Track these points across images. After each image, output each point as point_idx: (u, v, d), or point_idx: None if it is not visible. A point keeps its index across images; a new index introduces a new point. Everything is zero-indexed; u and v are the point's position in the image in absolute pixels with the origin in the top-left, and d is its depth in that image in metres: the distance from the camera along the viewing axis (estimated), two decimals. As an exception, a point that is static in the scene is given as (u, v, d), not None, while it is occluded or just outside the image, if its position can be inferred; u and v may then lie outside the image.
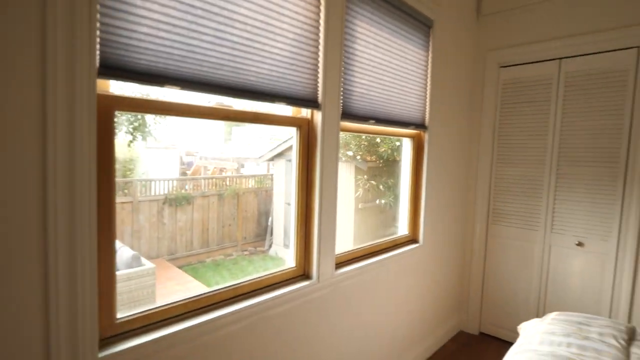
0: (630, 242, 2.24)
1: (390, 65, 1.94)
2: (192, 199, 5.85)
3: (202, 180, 6.44)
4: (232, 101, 1.51)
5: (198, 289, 4.36)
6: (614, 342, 1.53)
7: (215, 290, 1.36)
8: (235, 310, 1.32)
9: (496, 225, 2.77)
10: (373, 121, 1.86)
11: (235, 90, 1.26)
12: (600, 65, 2.32)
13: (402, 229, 2.35)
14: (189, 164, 8.84)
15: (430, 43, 2.24)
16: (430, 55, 2.25)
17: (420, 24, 2.14)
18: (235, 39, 1.23)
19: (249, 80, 1.30)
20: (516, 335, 1.90)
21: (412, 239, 2.36)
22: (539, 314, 2.58)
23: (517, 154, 2.65)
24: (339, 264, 1.79)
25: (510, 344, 2.04)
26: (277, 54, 1.38)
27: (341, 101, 1.67)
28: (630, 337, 1.59)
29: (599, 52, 2.32)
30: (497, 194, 2.76)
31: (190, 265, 5.66)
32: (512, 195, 2.69)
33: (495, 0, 2.67)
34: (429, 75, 2.26)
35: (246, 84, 1.29)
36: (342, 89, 1.67)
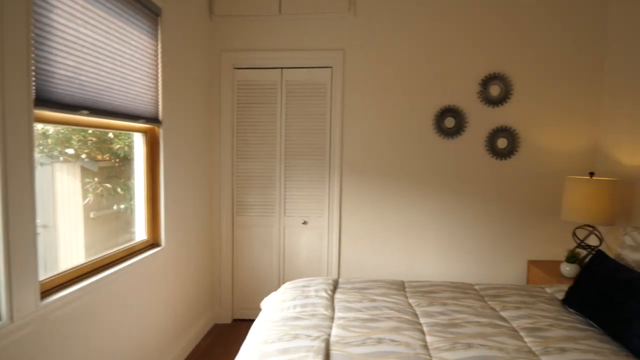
0: (335, 216, 2.91)
1: (108, 49, 1.70)
2: None
3: None
4: None
5: None
6: (324, 294, 1.93)
7: None
8: None
9: (241, 216, 2.99)
10: (87, 112, 1.57)
11: None
12: (309, 77, 2.88)
13: (141, 233, 2.14)
14: None
15: (160, 32, 2.13)
16: (160, 45, 2.13)
17: (145, 9, 1.98)
18: None
19: None
20: (259, 312, 2.10)
21: (153, 243, 2.19)
22: (280, 287, 2.98)
23: (254, 151, 2.94)
24: (49, 291, 1.42)
25: (255, 321, 2.24)
26: None
27: (33, 83, 1.31)
28: (335, 287, 2.07)
29: (308, 67, 2.88)
30: (240, 187, 2.97)
31: None
32: (253, 188, 2.96)
33: (227, 3, 2.84)
34: (159, 67, 2.14)
35: None
36: (34, 67, 1.31)
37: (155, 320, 2.14)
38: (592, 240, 2.67)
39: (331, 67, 2.84)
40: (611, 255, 2.30)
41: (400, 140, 2.85)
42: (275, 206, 2.96)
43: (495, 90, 2.78)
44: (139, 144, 2.12)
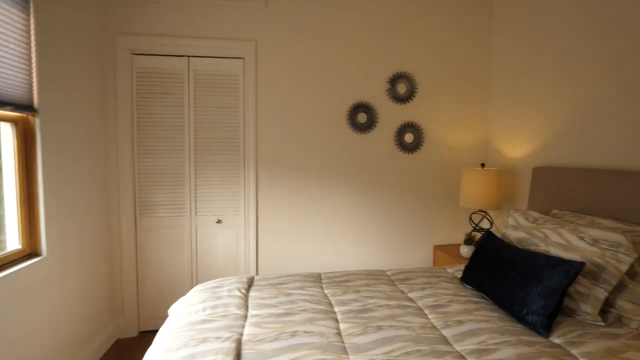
0: (251, 213, 2.81)
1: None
2: None
3: None
4: None
5: None
6: (237, 293, 1.83)
7: None
8: None
9: (146, 218, 2.72)
10: None
11: None
12: (220, 68, 2.73)
13: (13, 242, 1.80)
14: None
15: (32, 5, 1.81)
16: (33, 20, 1.81)
17: (11, -24, 1.67)
18: None
19: None
20: (165, 319, 1.92)
21: (31, 253, 1.86)
22: (194, 292, 2.78)
23: (159, 145, 2.69)
24: None
25: (163, 331, 2.04)
26: None
27: None
28: (249, 285, 1.98)
29: (219, 57, 2.72)
30: (144, 185, 2.70)
31: None
32: (159, 186, 2.71)
33: (122, -16, 2.56)
34: (33, 45, 1.82)
35: None
36: None
37: (38, 342, 1.82)
38: (485, 224, 2.99)
39: (243, 58, 2.74)
40: (498, 235, 2.60)
41: (315, 135, 2.87)
42: (185, 205, 2.75)
43: (402, 88, 2.95)
44: (6, 135, 1.77)
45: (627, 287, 1.54)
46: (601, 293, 1.52)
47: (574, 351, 1.33)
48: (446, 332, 1.48)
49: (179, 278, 2.78)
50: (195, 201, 2.76)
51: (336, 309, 1.69)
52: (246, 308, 1.70)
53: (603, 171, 1.93)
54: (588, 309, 1.53)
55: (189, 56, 2.67)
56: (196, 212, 2.76)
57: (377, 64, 2.90)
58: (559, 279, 1.48)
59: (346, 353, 1.34)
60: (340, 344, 1.40)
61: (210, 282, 2.01)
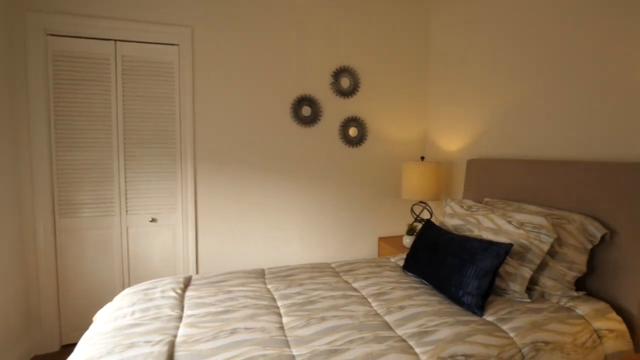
0: (190, 210, 2.65)
1: None
2: None
3: None
4: None
5: None
6: (172, 293, 1.70)
7: None
8: None
9: (67, 218, 2.44)
10: None
11: None
12: (152, 54, 2.53)
13: None
14: None
15: None
16: None
17: None
18: None
19: None
20: (88, 328, 1.72)
21: None
22: (126, 298, 2.55)
23: (82, 137, 2.43)
24: None
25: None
26: None
27: None
28: (186, 285, 1.85)
29: (151, 43, 2.52)
30: (64, 182, 2.42)
31: None
32: (83, 183, 2.45)
33: (34, -45, 2.27)
34: None
35: None
36: None
37: None
38: (426, 215, 3.11)
39: (178, 45, 2.57)
40: (437, 224, 2.72)
41: (259, 128, 2.78)
42: (114, 203, 2.51)
43: (345, 82, 2.97)
44: None
45: (549, 265, 1.67)
46: (527, 272, 1.63)
47: (504, 327, 1.41)
48: (388, 318, 1.49)
49: (109, 283, 2.53)
50: (126, 199, 2.53)
51: (279, 303, 1.63)
52: (181, 308, 1.58)
53: (526, 161, 2.08)
54: (516, 288, 1.63)
55: (116, 40, 2.44)
56: (127, 211, 2.54)
57: (321, 57, 2.88)
58: (490, 261, 1.56)
59: (288, 346, 1.29)
60: (283, 337, 1.34)
61: (141, 284, 1.84)
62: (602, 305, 1.55)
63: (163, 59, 2.55)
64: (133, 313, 1.52)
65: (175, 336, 1.36)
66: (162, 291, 1.72)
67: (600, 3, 1.76)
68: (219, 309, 1.54)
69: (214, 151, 2.68)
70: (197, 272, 2.71)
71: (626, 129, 1.67)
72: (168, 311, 1.53)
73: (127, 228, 2.55)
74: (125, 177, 2.51)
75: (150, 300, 1.64)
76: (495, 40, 2.41)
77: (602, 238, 1.65)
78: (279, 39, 2.78)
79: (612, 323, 1.48)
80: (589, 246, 1.64)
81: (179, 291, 1.73)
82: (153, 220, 2.59)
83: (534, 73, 2.14)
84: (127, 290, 1.79)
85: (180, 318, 1.50)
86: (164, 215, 2.62)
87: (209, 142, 2.67)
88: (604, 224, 1.64)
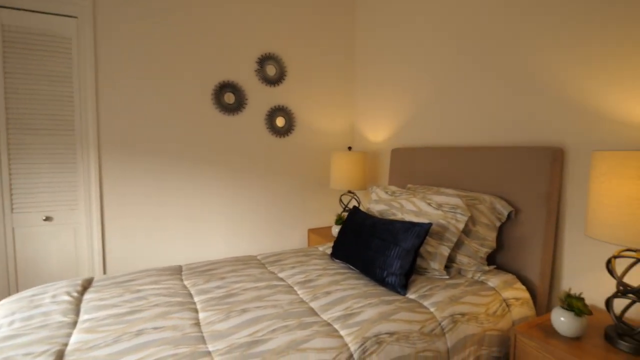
0: (95, 206, 2.34)
1: None
2: None
3: None
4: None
5: None
6: (66, 297, 1.45)
7: None
8: None
9: None
10: None
11: None
12: (42, 26, 2.17)
13: None
14: None
15: None
16: None
17: None
18: None
19: None
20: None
21: None
22: None
23: (-52, 120, 2.00)
24: None
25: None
26: None
27: None
28: (86, 287, 1.60)
29: (41, 12, 2.16)
30: None
31: None
32: (-50, 175, 2.02)
33: None
34: None
35: None
36: None
37: None
38: (354, 204, 3.15)
39: (77, 17, 2.24)
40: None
41: (175, 114, 2.55)
42: (-5, 200, 2.11)
43: (271, 70, 2.87)
44: None
45: (464, 243, 1.76)
46: (445, 250, 1.70)
47: (425, 303, 1.44)
48: (314, 304, 1.43)
49: (-11, 296, 2.12)
50: (11, 195, 2.14)
51: (196, 299, 1.49)
52: (77, 313, 1.36)
53: (443, 149, 2.19)
54: (436, 266, 1.69)
55: (-6, 5, 2.05)
56: (12, 209, 2.15)
57: (245, 42, 2.75)
58: (411, 240, 1.59)
59: (204, 342, 1.16)
60: (199, 333, 1.21)
61: (27, 291, 1.55)
62: (509, 277, 1.67)
63: (57, 32, 2.20)
64: (11, 323, 1.26)
65: (65, 344, 1.15)
66: (54, 296, 1.46)
67: (512, 3, 1.91)
68: (123, 310, 1.35)
69: (122, 139, 2.40)
70: (105, 272, 2.40)
71: (529, 119, 1.83)
72: (59, 317, 1.30)
73: (12, 229, 2.15)
74: (10, 170, 2.13)
75: (37, 307, 1.38)
76: (418, 32, 2.51)
77: (509, 216, 1.78)
78: (198, 18, 2.58)
79: (518, 292, 1.60)
80: (498, 223, 1.77)
81: (75, 294, 1.49)
82: (48, 219, 2.23)
83: (452, 66, 2.26)
84: (6, 300, 1.49)
85: (74, 324, 1.28)
86: (62, 213, 2.27)
87: (116, 129, 2.38)
88: (510, 203, 1.78)
